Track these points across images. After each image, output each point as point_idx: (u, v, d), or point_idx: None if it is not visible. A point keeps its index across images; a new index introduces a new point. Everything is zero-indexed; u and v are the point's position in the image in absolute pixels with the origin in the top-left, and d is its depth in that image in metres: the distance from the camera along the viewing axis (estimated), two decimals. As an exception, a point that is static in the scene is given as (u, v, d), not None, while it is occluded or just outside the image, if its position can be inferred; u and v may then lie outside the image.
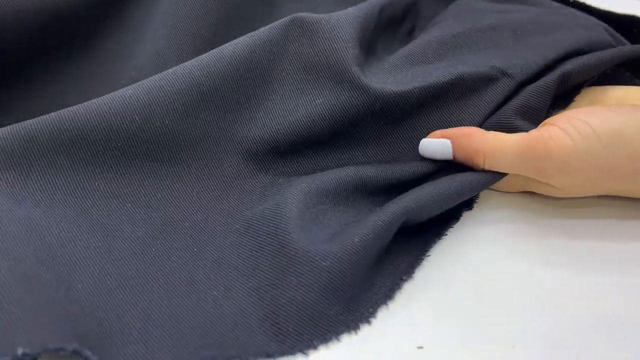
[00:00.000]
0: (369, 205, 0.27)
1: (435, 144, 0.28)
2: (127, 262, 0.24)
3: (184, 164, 0.27)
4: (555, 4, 0.39)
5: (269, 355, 0.21)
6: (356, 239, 0.23)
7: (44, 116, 0.25)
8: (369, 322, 0.23)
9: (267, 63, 0.29)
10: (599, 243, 0.27)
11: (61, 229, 0.23)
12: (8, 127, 0.24)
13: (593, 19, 0.35)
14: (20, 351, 0.18)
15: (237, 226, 0.26)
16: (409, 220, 0.25)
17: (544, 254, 0.26)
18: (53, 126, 0.25)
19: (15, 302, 0.19)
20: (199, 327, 0.22)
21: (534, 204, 0.29)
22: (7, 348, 0.18)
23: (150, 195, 0.26)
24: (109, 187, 0.26)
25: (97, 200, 0.25)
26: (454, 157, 0.28)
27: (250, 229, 0.25)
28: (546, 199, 0.29)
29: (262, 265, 0.24)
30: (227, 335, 0.22)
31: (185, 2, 0.32)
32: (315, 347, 0.21)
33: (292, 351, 0.21)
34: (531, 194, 0.29)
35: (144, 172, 0.27)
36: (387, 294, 0.24)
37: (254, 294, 0.23)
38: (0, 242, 0.21)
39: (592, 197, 0.28)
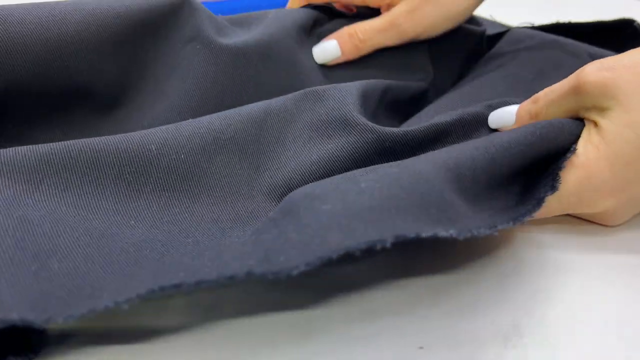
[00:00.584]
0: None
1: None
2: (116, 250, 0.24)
3: (195, 197, 0.28)
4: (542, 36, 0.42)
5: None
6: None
7: (61, 142, 0.26)
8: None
9: (281, 125, 0.31)
10: (596, 240, 0.27)
11: (54, 223, 0.24)
12: (25, 146, 0.25)
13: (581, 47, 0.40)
14: None
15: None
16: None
17: (543, 252, 0.26)
18: (69, 147, 0.26)
19: None
20: None
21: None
22: None
23: (157, 218, 0.27)
24: (115, 206, 0.26)
25: (101, 214, 0.26)
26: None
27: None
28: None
29: None
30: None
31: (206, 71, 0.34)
32: None
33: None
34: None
35: (154, 198, 0.27)
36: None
37: None
38: None
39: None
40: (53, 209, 0.25)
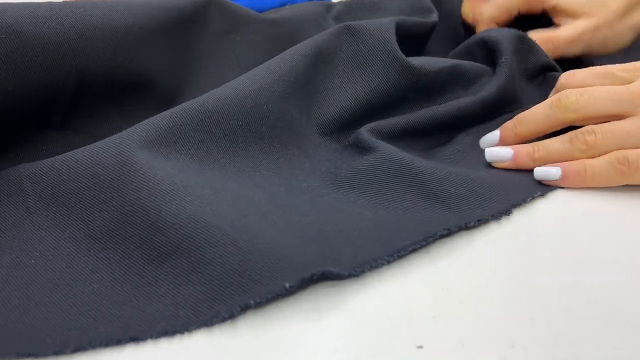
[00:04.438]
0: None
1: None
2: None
3: (284, 142, 0.32)
4: None
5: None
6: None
7: (186, 103, 0.30)
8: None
9: (328, 63, 0.36)
10: (597, 241, 0.27)
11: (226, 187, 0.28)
12: (158, 115, 0.29)
13: None
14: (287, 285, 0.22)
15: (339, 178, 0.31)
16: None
17: (543, 253, 0.26)
18: (195, 109, 0.30)
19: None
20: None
21: (533, 204, 0.30)
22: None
23: (266, 166, 0.31)
24: (236, 163, 0.30)
25: (223, 171, 0.29)
26: None
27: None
28: (544, 204, 0.29)
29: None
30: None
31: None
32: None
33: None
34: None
35: (258, 147, 0.31)
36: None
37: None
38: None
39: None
40: (187, 166, 0.28)
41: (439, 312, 0.23)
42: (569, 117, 0.32)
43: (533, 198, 0.30)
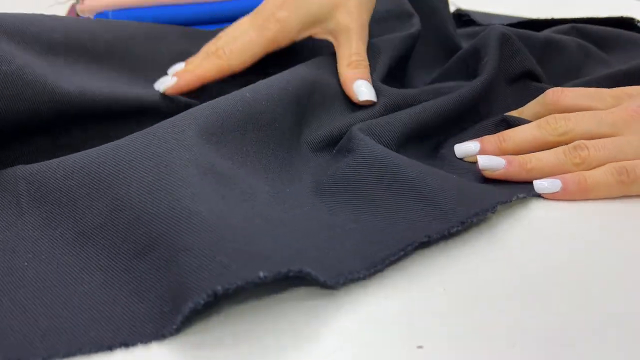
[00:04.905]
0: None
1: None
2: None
3: (289, 149, 0.34)
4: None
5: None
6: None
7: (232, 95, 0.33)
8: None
9: (325, 92, 0.39)
10: (601, 241, 0.27)
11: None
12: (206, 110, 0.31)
13: None
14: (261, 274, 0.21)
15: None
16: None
17: (544, 254, 0.26)
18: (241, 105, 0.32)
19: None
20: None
21: (532, 205, 0.29)
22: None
23: (277, 172, 0.33)
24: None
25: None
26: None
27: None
28: (544, 203, 0.29)
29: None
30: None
31: None
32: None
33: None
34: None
35: (269, 151, 0.33)
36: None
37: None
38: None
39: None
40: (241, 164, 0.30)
41: (439, 312, 0.23)
42: (557, 140, 0.32)
43: (517, 198, 0.29)
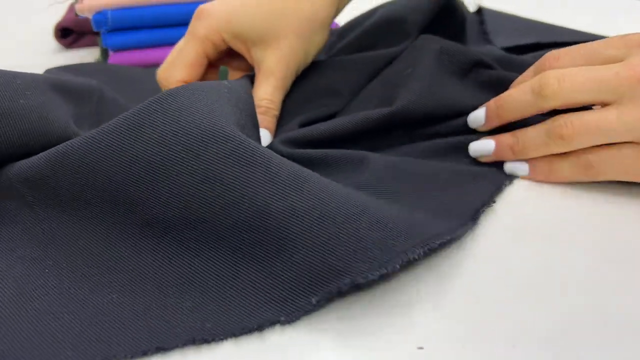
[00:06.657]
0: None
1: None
2: None
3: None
4: None
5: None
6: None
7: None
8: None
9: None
10: (601, 241, 0.27)
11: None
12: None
13: None
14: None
15: None
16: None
17: (544, 254, 0.26)
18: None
19: None
20: None
21: (532, 205, 0.29)
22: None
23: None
24: None
25: None
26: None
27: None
28: (544, 203, 0.29)
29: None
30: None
31: None
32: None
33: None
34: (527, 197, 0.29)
35: None
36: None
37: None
38: None
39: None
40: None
41: (439, 312, 0.23)
42: (549, 104, 0.30)
43: (505, 185, 0.31)
